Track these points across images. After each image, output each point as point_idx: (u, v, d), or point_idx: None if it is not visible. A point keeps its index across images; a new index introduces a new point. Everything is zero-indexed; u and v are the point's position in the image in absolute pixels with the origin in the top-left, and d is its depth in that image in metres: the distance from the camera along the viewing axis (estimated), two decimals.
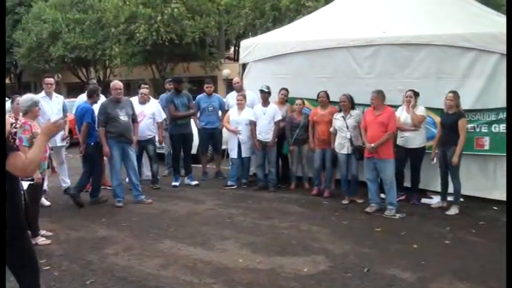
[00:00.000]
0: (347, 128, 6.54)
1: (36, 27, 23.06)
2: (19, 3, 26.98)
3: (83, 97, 7.66)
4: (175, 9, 18.87)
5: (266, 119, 7.42)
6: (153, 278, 4.16)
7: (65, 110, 7.28)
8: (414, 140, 6.39)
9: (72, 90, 24.34)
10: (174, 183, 7.93)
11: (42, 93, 7.10)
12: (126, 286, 4.01)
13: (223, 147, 8.54)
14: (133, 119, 6.90)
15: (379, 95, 6.08)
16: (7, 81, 30.94)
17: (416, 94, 6.34)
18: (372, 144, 6.00)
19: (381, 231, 5.40)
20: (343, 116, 6.61)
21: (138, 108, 7.29)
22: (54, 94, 7.27)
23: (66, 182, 7.42)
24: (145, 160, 8.03)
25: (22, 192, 3.02)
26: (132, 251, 4.85)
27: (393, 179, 6.08)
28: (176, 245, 5.02)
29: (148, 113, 7.55)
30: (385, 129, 5.98)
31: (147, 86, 7.95)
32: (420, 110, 6.36)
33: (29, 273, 2.92)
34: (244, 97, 7.70)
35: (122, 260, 4.59)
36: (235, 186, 7.72)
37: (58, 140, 6.98)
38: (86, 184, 6.88)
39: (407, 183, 6.66)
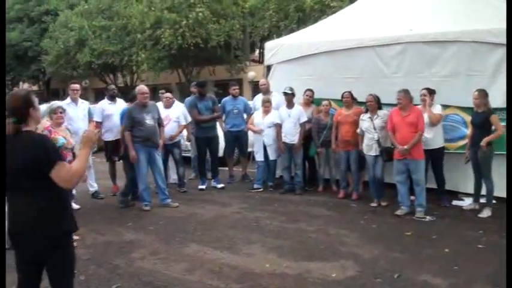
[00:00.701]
0: (374, 129, 6.41)
1: (63, 35, 23.49)
2: (46, 12, 27.61)
3: (103, 103, 7.76)
4: (200, 14, 18.92)
5: (291, 121, 7.34)
6: (179, 283, 4.14)
7: (90, 115, 7.37)
8: (433, 140, 6.21)
9: (100, 96, 24.77)
10: (200, 187, 7.94)
11: (68, 100, 7.20)
12: None
13: (249, 149, 8.51)
14: (160, 123, 6.93)
15: (407, 95, 5.94)
16: (36, 88, 31.68)
17: (431, 92, 6.17)
18: (405, 146, 5.86)
19: (411, 235, 5.25)
20: (370, 117, 6.47)
21: (163, 112, 7.33)
22: (80, 100, 7.35)
23: (93, 186, 7.52)
24: (171, 164, 8.06)
25: None
26: (158, 255, 4.85)
27: (424, 180, 5.94)
28: (202, 248, 5.00)
29: (174, 117, 7.58)
30: (415, 130, 5.83)
31: (163, 91, 8.05)
32: (437, 109, 6.19)
33: (68, 277, 2.93)
34: (271, 102, 7.65)
35: (148, 264, 4.59)
36: (261, 189, 7.67)
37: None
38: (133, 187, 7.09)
39: (432, 185, 6.46)
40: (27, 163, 2.65)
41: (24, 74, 29.56)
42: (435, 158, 6.31)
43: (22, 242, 2.76)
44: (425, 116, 6.11)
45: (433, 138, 6.21)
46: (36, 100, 2.86)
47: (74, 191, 6.55)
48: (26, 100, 2.76)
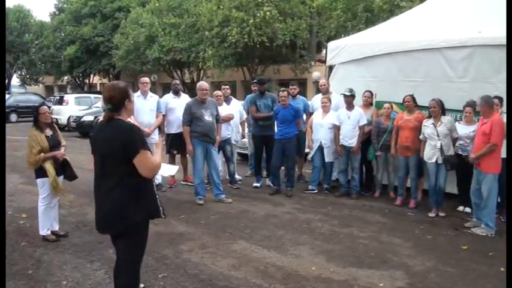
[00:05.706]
0: (437, 136, 6.10)
1: (134, 31, 24.43)
2: (118, 9, 29.02)
3: (168, 96, 7.96)
4: (268, 13, 19.00)
5: (350, 124, 7.16)
6: (223, 278, 4.17)
7: (159, 108, 7.56)
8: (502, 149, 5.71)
9: (167, 90, 25.52)
10: (255, 184, 7.97)
11: (138, 93, 7.46)
12: (196, 284, 4.05)
13: (306, 150, 8.41)
14: (217, 119, 7.02)
15: (485, 103, 5.50)
16: (106, 81, 33.23)
17: (502, 100, 5.77)
18: (472, 155, 5.57)
19: (467, 250, 4.97)
20: (433, 123, 6.18)
21: None
22: (150, 94, 7.57)
23: (158, 178, 7.69)
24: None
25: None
26: (206, 249, 4.92)
27: (491, 197, 5.43)
28: (250, 246, 5.01)
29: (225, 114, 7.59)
30: (488, 140, 5.40)
31: (227, 86, 8.15)
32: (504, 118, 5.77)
33: (127, 264, 3.11)
34: (330, 100, 7.51)
35: (196, 257, 4.67)
36: (315, 191, 7.56)
37: (151, 136, 7.23)
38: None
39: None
40: (115, 147, 2.81)
41: (95, 67, 31.22)
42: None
43: (100, 225, 3.04)
44: None
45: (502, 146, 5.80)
46: (132, 94, 3.03)
47: (158, 180, 7.02)
48: (124, 92, 2.95)
